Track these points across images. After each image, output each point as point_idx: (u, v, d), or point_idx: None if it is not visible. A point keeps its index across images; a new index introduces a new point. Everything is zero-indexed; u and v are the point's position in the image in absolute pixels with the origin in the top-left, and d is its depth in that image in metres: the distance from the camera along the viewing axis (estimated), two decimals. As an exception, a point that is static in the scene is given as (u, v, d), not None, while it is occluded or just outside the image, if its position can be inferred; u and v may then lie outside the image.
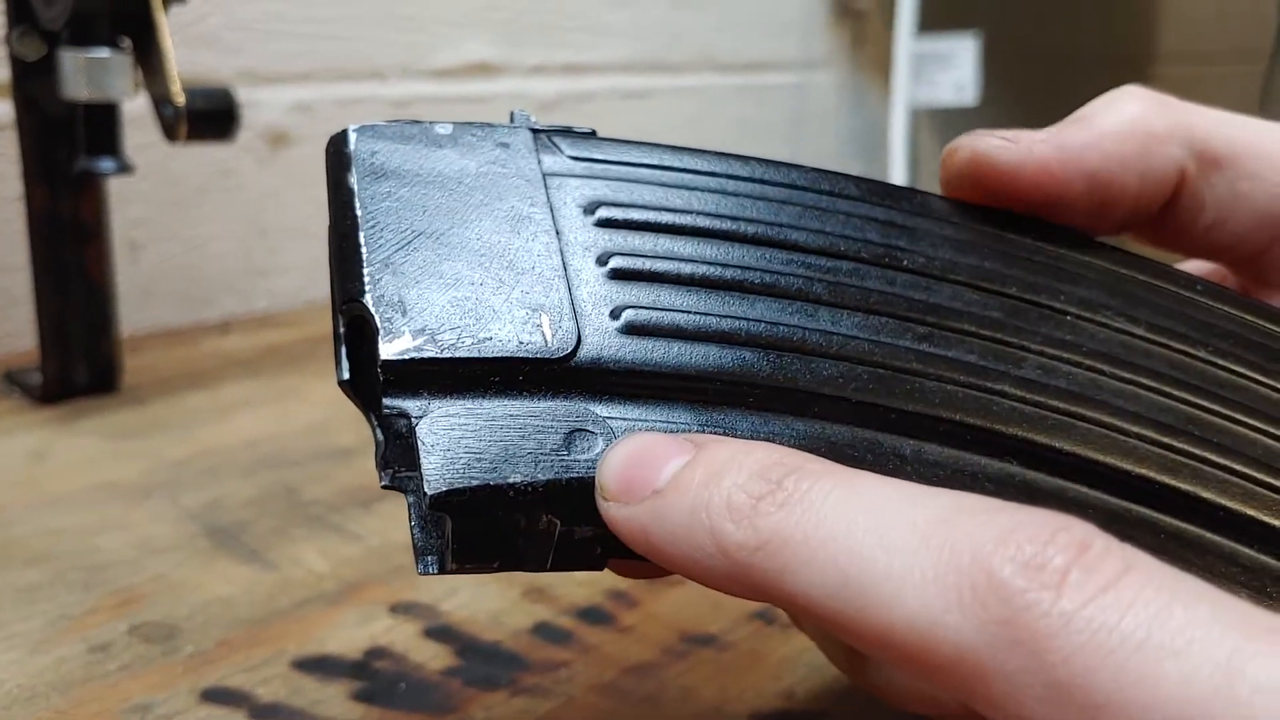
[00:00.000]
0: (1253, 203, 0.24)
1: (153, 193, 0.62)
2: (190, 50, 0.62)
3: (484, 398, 0.18)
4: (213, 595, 0.34)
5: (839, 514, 0.15)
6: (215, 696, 0.29)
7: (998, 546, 0.14)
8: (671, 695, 0.30)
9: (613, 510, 0.17)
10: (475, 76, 0.77)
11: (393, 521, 0.40)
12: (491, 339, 0.18)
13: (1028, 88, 1.37)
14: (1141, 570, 0.14)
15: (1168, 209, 0.24)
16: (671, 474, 0.17)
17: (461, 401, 0.18)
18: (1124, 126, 0.23)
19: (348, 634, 0.32)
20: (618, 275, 0.20)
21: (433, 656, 0.31)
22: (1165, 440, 0.20)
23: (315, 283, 0.70)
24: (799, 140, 1.03)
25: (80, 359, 0.50)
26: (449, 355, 0.18)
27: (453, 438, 0.17)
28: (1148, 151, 0.23)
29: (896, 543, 0.15)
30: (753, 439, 0.19)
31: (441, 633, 0.32)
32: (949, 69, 0.99)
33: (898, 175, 0.99)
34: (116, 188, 0.59)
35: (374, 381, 0.19)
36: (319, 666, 0.31)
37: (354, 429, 0.49)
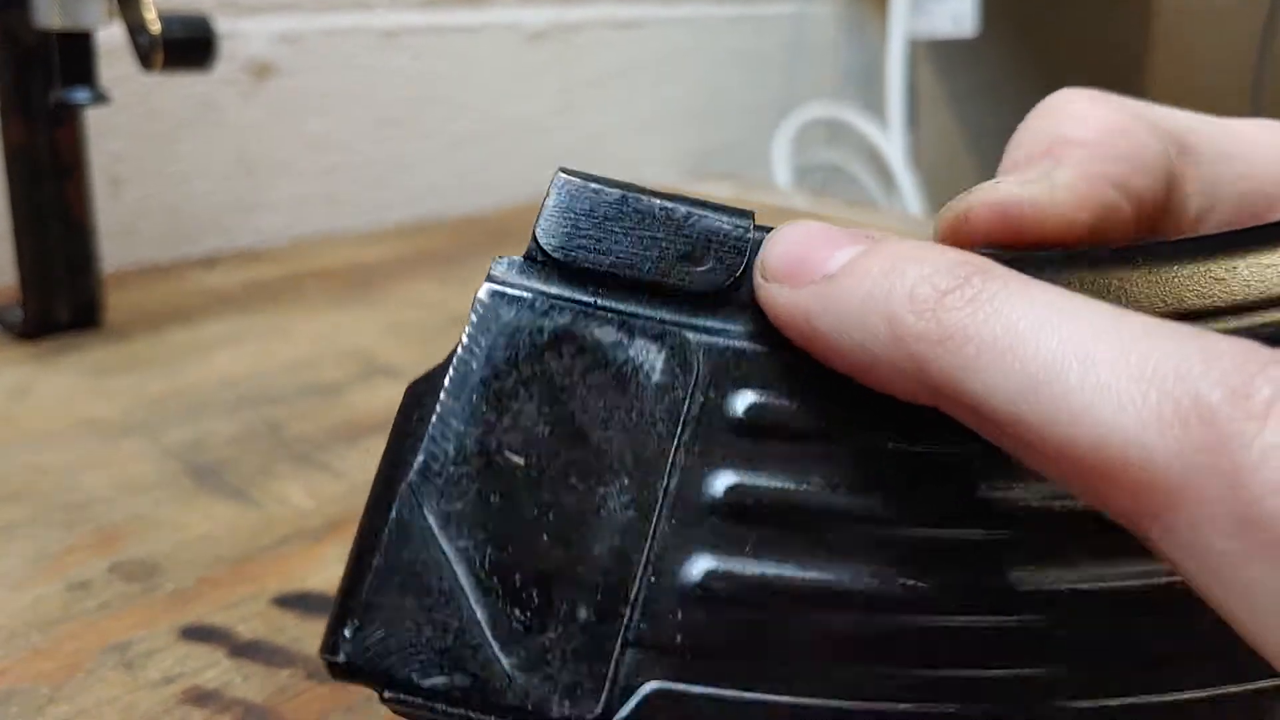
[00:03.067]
0: (1232, 184, 0.23)
1: (134, 127, 0.61)
2: (169, -21, 0.60)
3: None
4: (194, 533, 0.34)
5: (1032, 318, 0.14)
6: (195, 634, 0.29)
7: (1206, 369, 0.13)
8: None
9: (774, 292, 0.16)
10: (463, 6, 0.75)
11: (378, 457, 0.39)
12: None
13: (1026, 18, 1.34)
14: None
15: (1163, 203, 0.23)
16: (846, 260, 0.16)
17: None
18: (1106, 135, 0.21)
19: (330, 571, 0.32)
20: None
21: (416, 593, 0.31)
22: None
23: (301, 219, 0.69)
24: (795, 72, 1.02)
25: (61, 295, 0.50)
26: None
27: None
28: (1139, 150, 0.22)
29: (1094, 354, 0.14)
30: None
31: (426, 570, 0.32)
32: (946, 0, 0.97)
33: (895, 107, 0.97)
34: (96, 122, 0.58)
35: None
36: (300, 603, 0.30)
37: (339, 365, 0.48)
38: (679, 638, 0.16)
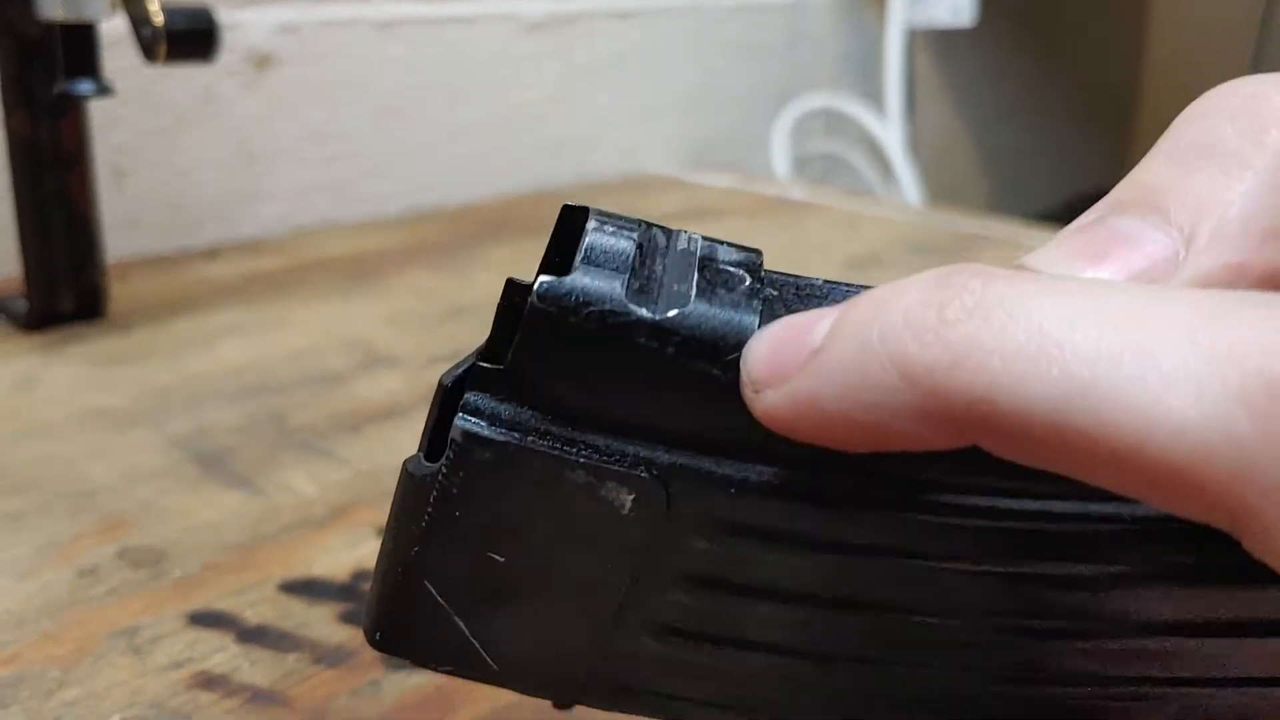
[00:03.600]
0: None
1: (137, 119, 0.61)
2: (170, -30, 0.61)
3: None
4: (200, 520, 0.34)
5: (1057, 314, 0.12)
6: (203, 619, 0.29)
7: (1268, 344, 0.11)
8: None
9: (769, 399, 0.14)
10: (462, -3, 0.75)
11: (381, 445, 0.40)
12: None
13: (1024, 6, 1.34)
14: None
15: None
16: (827, 327, 0.14)
17: None
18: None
19: (335, 557, 0.32)
20: None
21: (420, 579, 0.31)
22: None
23: (303, 209, 0.70)
24: (794, 62, 1.02)
25: (65, 286, 0.50)
26: None
27: None
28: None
29: (1148, 341, 0.12)
30: None
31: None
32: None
33: (893, 97, 0.97)
34: (100, 114, 0.58)
35: None
36: (306, 589, 0.31)
37: (341, 354, 0.48)
38: None
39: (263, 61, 0.66)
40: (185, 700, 0.26)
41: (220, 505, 0.35)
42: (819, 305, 0.15)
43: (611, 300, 0.15)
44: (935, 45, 1.19)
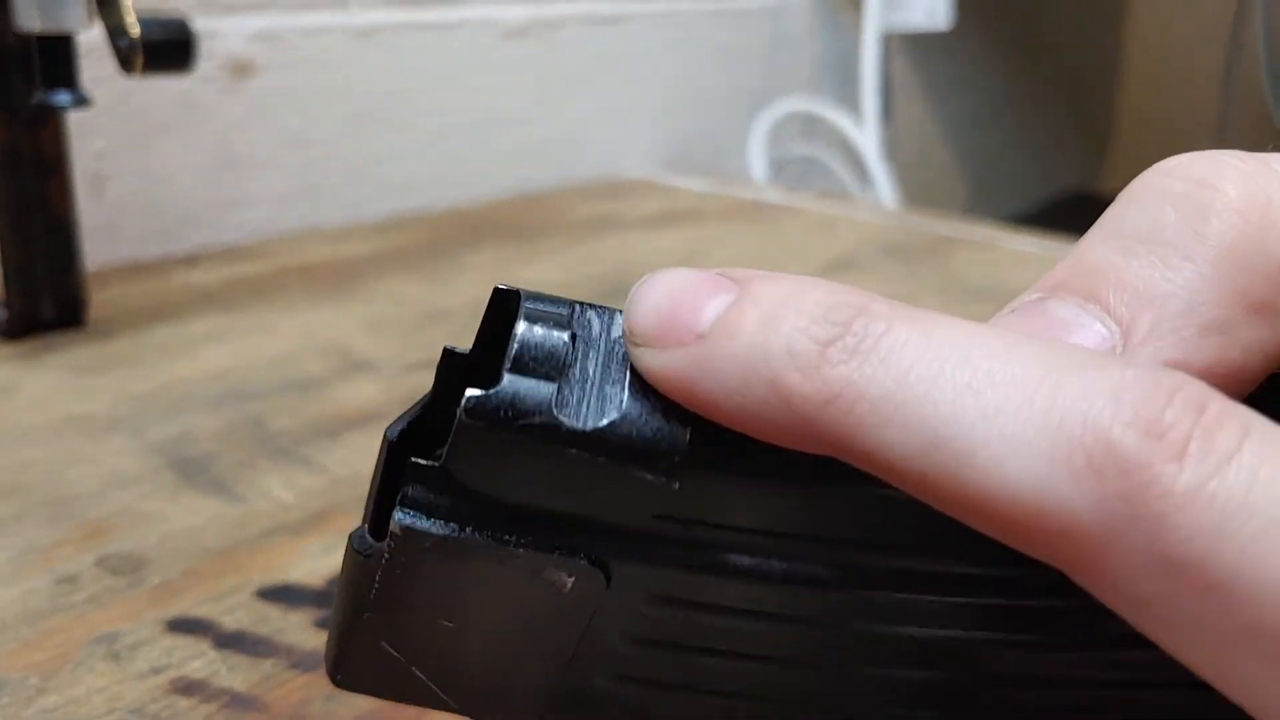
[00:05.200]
0: None
1: (116, 126, 0.61)
2: (148, -22, 0.61)
3: None
4: (179, 527, 0.35)
5: (922, 366, 0.13)
6: (181, 626, 0.30)
7: (1114, 410, 0.13)
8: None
9: (647, 358, 0.15)
10: (440, 4, 0.76)
11: (359, 451, 0.40)
12: None
13: (999, 11, 1.36)
14: (1260, 433, 0.13)
15: None
16: (715, 314, 0.15)
17: None
18: (1240, 239, 0.16)
19: (311, 563, 0.33)
20: None
21: (396, 584, 0.32)
22: None
23: (284, 214, 0.70)
24: (771, 66, 1.02)
25: (45, 294, 0.50)
26: None
27: None
28: None
29: (995, 403, 0.13)
30: None
31: (405, 561, 0.33)
32: (922, -7, 0.99)
33: (869, 101, 0.98)
34: (78, 121, 0.59)
35: None
36: (283, 595, 0.31)
37: (320, 360, 0.49)
38: None
39: (241, 69, 0.66)
40: (164, 706, 0.27)
41: (199, 511, 0.36)
42: None
43: (541, 413, 0.15)
44: (912, 48, 1.20)
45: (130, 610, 0.30)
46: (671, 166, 0.94)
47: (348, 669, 0.18)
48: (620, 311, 0.16)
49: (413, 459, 0.16)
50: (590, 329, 0.16)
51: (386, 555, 0.16)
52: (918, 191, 1.26)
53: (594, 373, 0.16)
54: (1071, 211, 1.51)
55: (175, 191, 0.65)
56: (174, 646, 0.29)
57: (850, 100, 1.06)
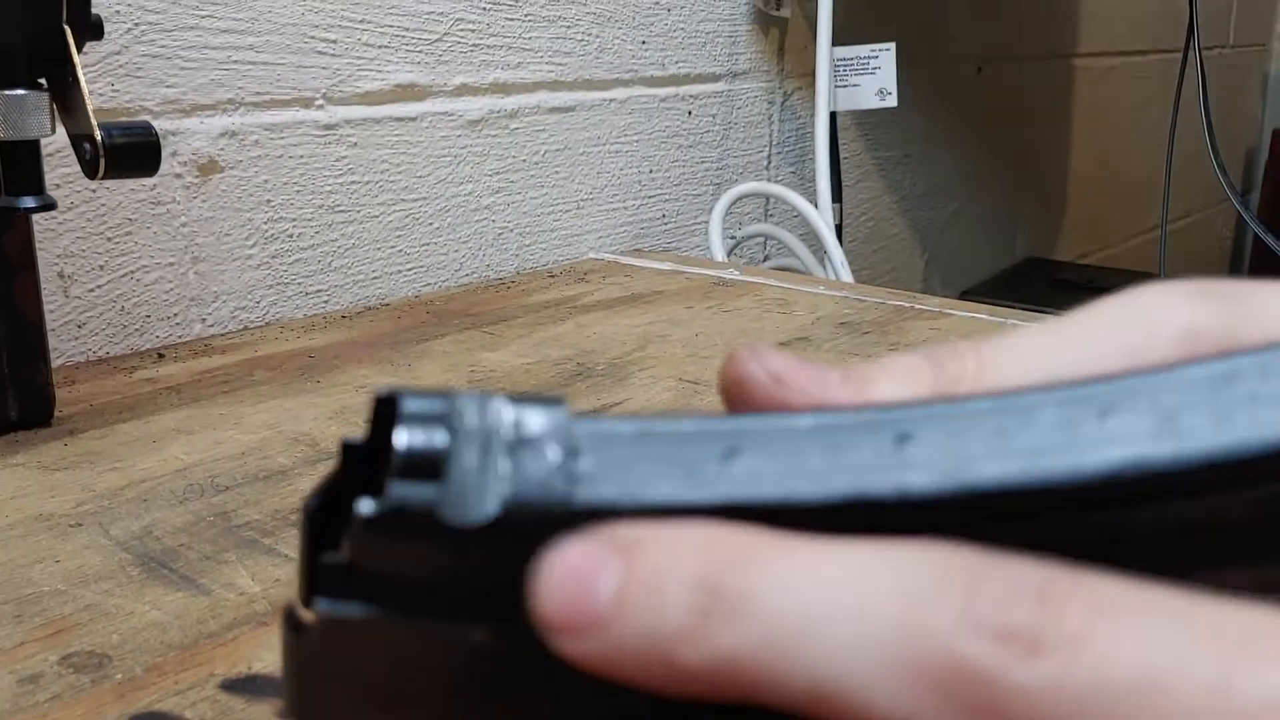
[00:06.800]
0: None
1: (82, 224, 0.63)
2: (115, 81, 0.63)
3: None
4: (143, 622, 0.35)
5: (787, 615, 0.15)
6: (145, 720, 0.30)
7: (962, 627, 0.13)
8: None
9: (564, 645, 0.16)
10: (402, 99, 0.78)
11: (323, 542, 0.41)
12: None
13: (948, 89, 1.40)
14: (1108, 604, 0.13)
15: None
16: (608, 596, 0.16)
17: None
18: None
19: (276, 653, 0.33)
20: None
21: (359, 671, 0.32)
22: None
23: (248, 308, 0.71)
24: (728, 147, 1.05)
25: (12, 394, 0.51)
26: None
27: None
28: None
29: (855, 645, 0.14)
30: None
31: (368, 648, 0.33)
32: (871, 74, 1.02)
33: (822, 181, 1.01)
34: (45, 220, 0.60)
35: None
36: (247, 686, 0.32)
37: (286, 451, 0.49)
38: None
39: (207, 167, 0.68)
40: (127, 801, 0.27)
41: (164, 606, 0.36)
42: (625, 462, 0.17)
43: (426, 517, 0.16)
44: (864, 127, 1.23)
45: (93, 708, 0.31)
46: (632, 247, 0.96)
47: (300, 717, 0.19)
48: (496, 397, 0.18)
49: (324, 555, 0.17)
50: (467, 421, 0.17)
51: (312, 633, 0.18)
52: (869, 264, 1.28)
53: (473, 467, 0.17)
54: (1024, 280, 1.54)
55: (142, 286, 0.66)
56: (138, 742, 0.29)
57: (806, 179, 1.09)
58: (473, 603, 0.17)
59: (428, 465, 0.17)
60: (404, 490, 0.17)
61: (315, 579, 0.18)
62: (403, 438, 0.17)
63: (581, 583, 0.16)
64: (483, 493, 0.17)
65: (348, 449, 0.19)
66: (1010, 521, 0.16)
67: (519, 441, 0.17)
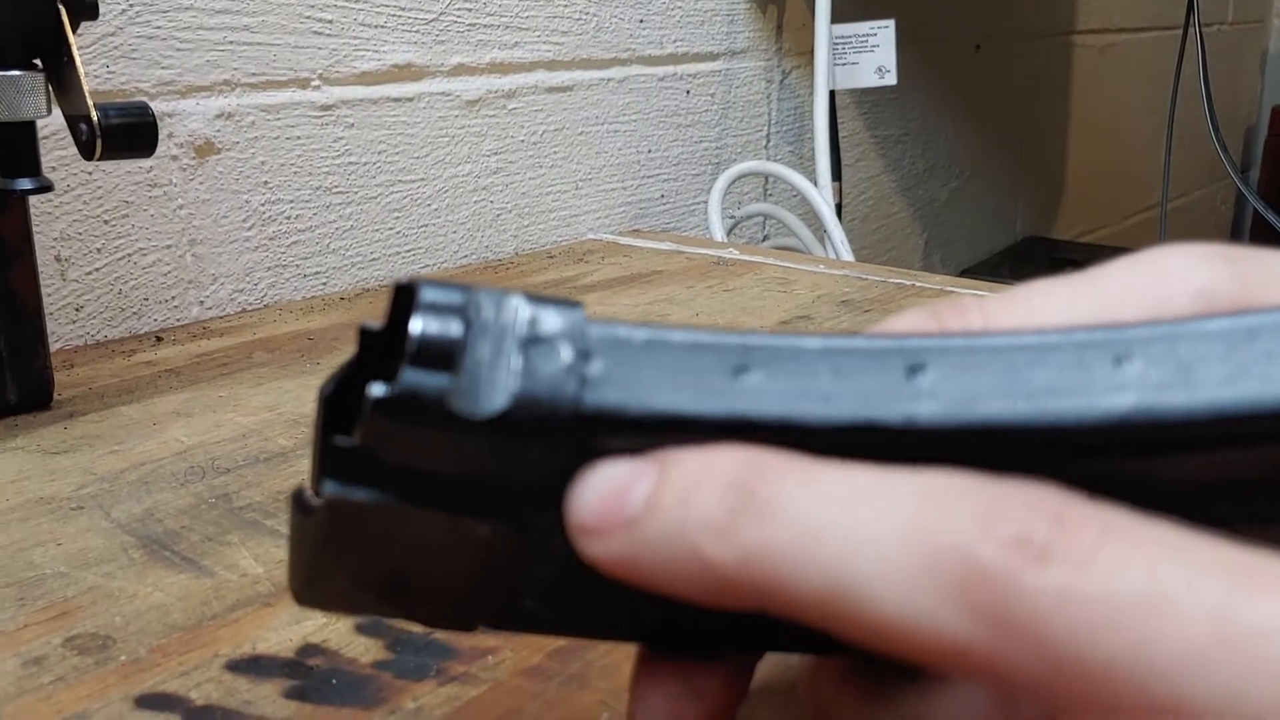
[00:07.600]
0: None
1: (79, 208, 0.62)
2: (110, 63, 0.62)
3: None
4: (146, 604, 0.35)
5: (814, 517, 0.15)
6: (149, 703, 0.30)
7: (977, 532, 0.14)
8: (595, 674, 0.31)
9: (593, 549, 0.17)
10: (399, 79, 0.77)
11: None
12: None
13: (947, 66, 1.39)
14: (1119, 530, 0.14)
15: None
16: (642, 499, 0.17)
17: None
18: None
19: (281, 634, 0.33)
20: None
21: (365, 651, 0.32)
22: None
23: (247, 290, 0.71)
24: (727, 126, 1.05)
25: (10, 377, 0.51)
26: None
27: None
28: None
29: (874, 544, 0.15)
30: None
31: (374, 627, 0.33)
32: (870, 52, 1.01)
33: (822, 160, 1.00)
34: (41, 204, 0.59)
35: None
36: (252, 667, 0.32)
37: (287, 433, 0.49)
38: None
39: (204, 149, 0.67)
40: (133, 782, 0.27)
41: (166, 587, 0.36)
42: (637, 369, 0.17)
43: (437, 405, 0.17)
44: (863, 106, 1.22)
45: (98, 689, 0.31)
46: (632, 227, 0.96)
47: (307, 592, 0.20)
48: (514, 294, 0.18)
49: (335, 437, 0.17)
50: (484, 315, 0.17)
51: (322, 516, 0.18)
52: (873, 243, 1.28)
53: (486, 360, 0.17)
54: (1024, 258, 1.54)
55: (140, 270, 0.65)
56: (143, 723, 0.29)
57: (806, 157, 1.09)
58: (479, 497, 0.17)
59: (441, 355, 0.17)
60: (416, 377, 0.17)
61: (325, 462, 0.18)
62: (418, 325, 0.17)
63: (618, 488, 0.17)
64: (493, 386, 0.17)
65: (366, 334, 0.19)
66: (1019, 463, 0.16)
67: (533, 339, 0.17)
